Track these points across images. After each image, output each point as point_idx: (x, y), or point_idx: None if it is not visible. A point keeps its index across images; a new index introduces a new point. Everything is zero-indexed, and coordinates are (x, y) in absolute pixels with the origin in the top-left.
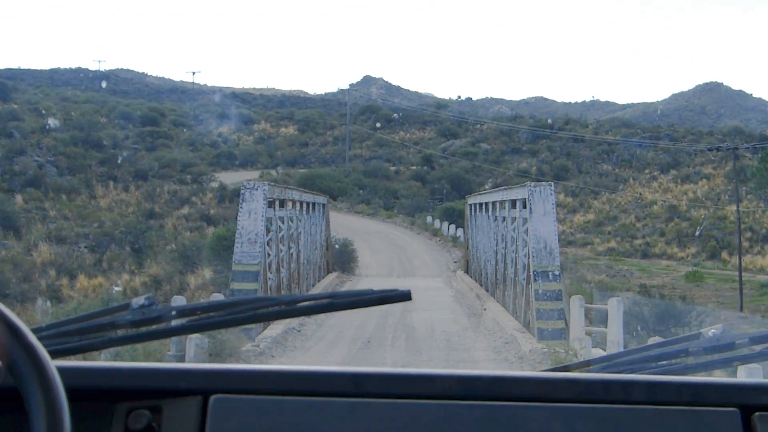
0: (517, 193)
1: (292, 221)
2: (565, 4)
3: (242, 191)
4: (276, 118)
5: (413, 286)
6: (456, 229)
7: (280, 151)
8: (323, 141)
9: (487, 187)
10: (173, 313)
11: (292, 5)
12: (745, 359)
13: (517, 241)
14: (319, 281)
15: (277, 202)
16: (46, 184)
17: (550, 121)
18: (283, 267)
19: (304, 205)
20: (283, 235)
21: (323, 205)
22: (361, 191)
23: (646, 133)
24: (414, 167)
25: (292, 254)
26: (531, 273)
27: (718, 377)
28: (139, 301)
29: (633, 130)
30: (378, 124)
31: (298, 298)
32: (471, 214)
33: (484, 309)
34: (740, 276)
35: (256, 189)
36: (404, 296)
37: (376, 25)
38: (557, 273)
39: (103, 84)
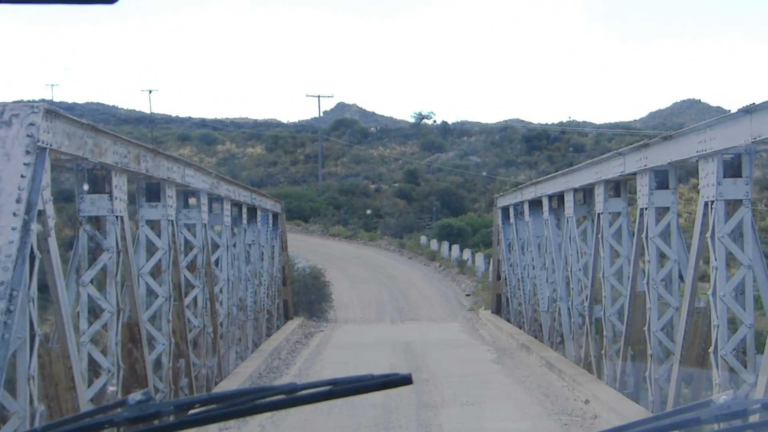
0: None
1: (192, 231)
2: (536, 25)
3: None
4: (242, 138)
5: (422, 339)
6: (460, 251)
7: (245, 172)
8: (293, 159)
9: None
10: (171, 408)
11: (259, 35)
12: (759, 427)
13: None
14: (268, 337)
15: (117, 179)
16: None
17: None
18: (169, 326)
19: (227, 205)
20: (159, 261)
21: (276, 214)
22: (337, 211)
23: (654, 138)
24: (397, 184)
25: (195, 300)
26: None
27: None
28: (135, 397)
29: (637, 136)
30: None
31: (298, 387)
32: (506, 222)
33: (586, 401)
34: None
35: (9, 123)
36: (405, 380)
37: (348, 52)
38: None
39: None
